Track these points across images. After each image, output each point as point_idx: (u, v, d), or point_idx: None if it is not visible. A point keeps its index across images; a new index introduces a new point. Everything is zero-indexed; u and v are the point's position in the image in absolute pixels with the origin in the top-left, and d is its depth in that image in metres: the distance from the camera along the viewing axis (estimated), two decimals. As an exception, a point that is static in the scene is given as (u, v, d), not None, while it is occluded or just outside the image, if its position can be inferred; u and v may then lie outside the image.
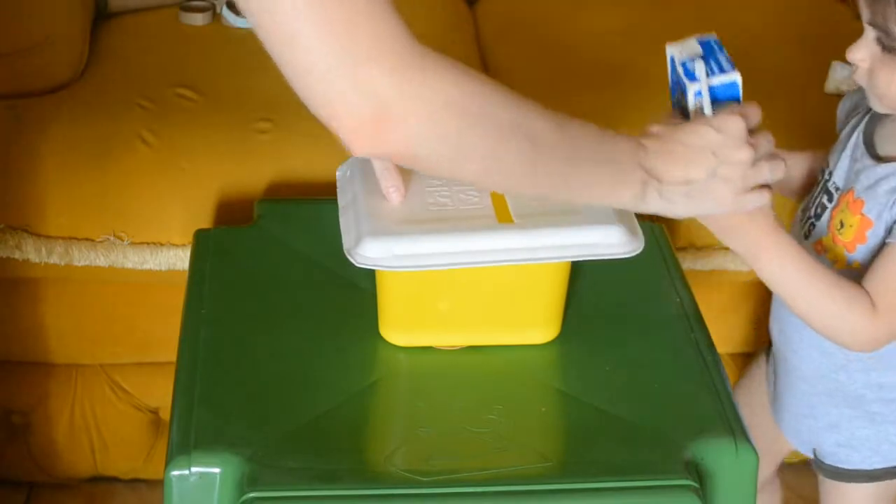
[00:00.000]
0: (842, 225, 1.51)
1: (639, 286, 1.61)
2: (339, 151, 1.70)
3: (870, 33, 1.43)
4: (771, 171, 1.38)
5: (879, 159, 1.49)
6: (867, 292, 1.45)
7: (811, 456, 1.66)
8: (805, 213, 1.58)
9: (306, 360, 1.49)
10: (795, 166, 1.63)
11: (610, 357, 1.51)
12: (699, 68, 1.41)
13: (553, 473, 1.36)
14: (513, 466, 1.36)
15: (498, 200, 1.48)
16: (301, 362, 1.49)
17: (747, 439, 1.39)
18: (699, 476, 1.36)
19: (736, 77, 1.41)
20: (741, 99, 1.42)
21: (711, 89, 1.40)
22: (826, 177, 1.56)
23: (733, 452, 1.38)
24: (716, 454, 1.38)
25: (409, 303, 1.48)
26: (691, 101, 1.41)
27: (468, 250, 1.41)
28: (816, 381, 1.59)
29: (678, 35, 1.39)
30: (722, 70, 1.42)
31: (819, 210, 1.55)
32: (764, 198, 1.38)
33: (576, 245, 1.43)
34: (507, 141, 1.22)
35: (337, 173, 1.56)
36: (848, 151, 1.54)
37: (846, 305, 1.44)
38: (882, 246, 1.46)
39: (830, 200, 1.54)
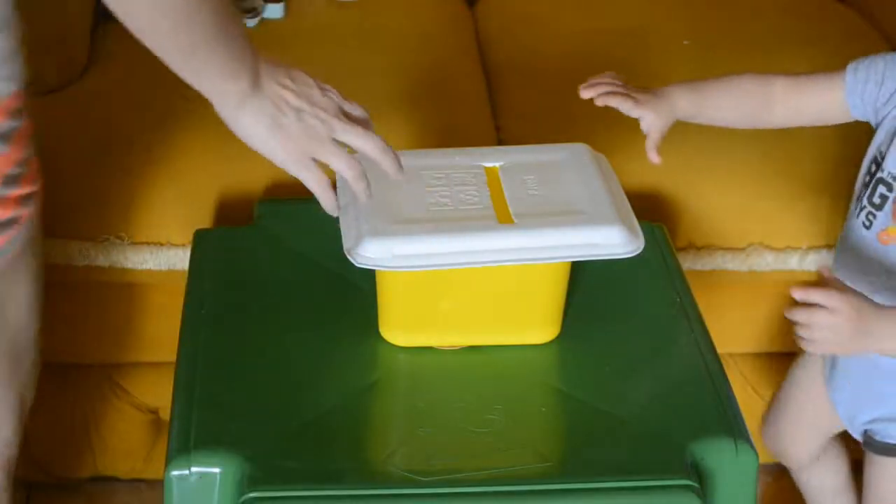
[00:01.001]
0: None
1: (639, 286, 1.61)
2: (339, 151, 1.70)
3: None
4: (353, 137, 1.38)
5: None
6: None
7: (860, 438, 1.67)
8: (859, 203, 1.58)
9: (306, 360, 1.49)
10: (711, 95, 1.62)
11: (610, 357, 1.51)
12: None
13: (553, 473, 1.36)
14: (513, 466, 1.36)
15: (498, 200, 1.48)
16: (301, 362, 1.49)
17: (747, 439, 1.39)
18: (699, 476, 1.36)
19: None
20: None
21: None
22: (879, 168, 1.55)
23: (733, 452, 1.38)
24: (716, 454, 1.38)
25: (409, 303, 1.48)
26: None
27: (468, 250, 1.41)
28: (877, 357, 1.58)
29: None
30: None
31: (879, 201, 1.55)
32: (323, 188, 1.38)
33: (576, 245, 1.43)
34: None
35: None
36: None
37: None
38: None
39: (891, 190, 1.54)
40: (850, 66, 1.59)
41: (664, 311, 1.58)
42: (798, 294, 1.38)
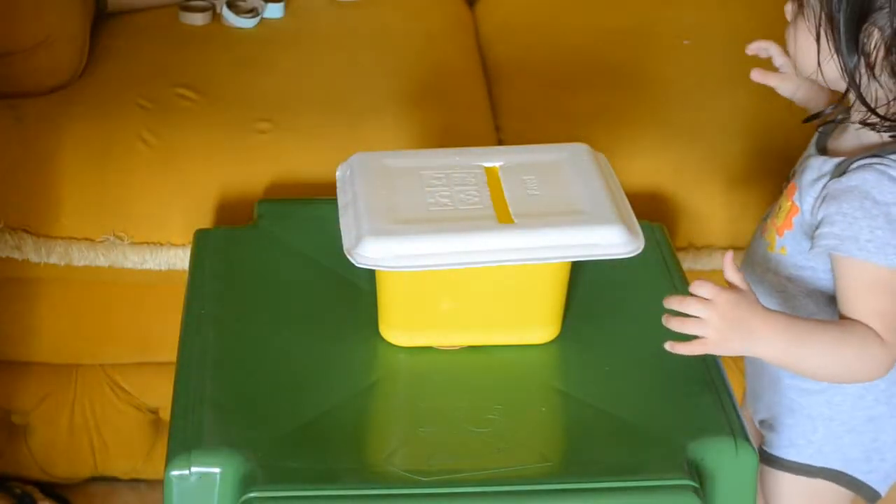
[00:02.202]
0: (780, 209, 1.54)
1: (639, 286, 1.61)
2: (339, 151, 1.71)
3: None
4: None
5: (825, 153, 1.52)
6: (863, 323, 1.42)
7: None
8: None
9: (306, 360, 1.49)
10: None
11: (610, 357, 1.51)
12: None
13: (553, 473, 1.36)
14: (513, 466, 1.36)
15: (498, 200, 1.48)
16: (301, 362, 1.49)
17: (747, 439, 1.39)
18: (699, 476, 1.36)
19: None
20: None
21: None
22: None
23: (733, 452, 1.38)
24: (716, 454, 1.38)
25: (409, 303, 1.48)
26: None
27: (468, 250, 1.41)
28: (757, 360, 1.58)
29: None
30: None
31: (779, 195, 1.58)
32: None
33: (576, 245, 1.43)
34: None
35: (337, 173, 1.56)
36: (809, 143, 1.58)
37: (860, 345, 1.42)
38: (819, 250, 1.46)
39: (786, 187, 1.56)
40: None
41: (664, 311, 1.58)
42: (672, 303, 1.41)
